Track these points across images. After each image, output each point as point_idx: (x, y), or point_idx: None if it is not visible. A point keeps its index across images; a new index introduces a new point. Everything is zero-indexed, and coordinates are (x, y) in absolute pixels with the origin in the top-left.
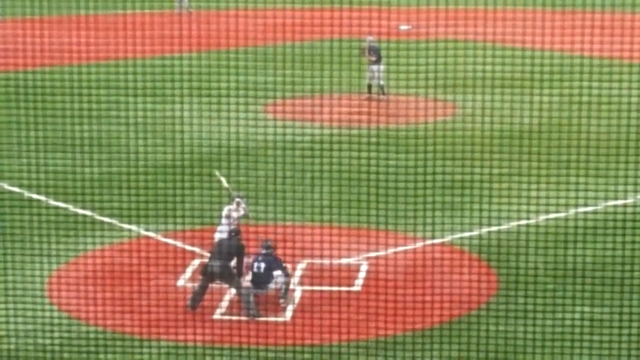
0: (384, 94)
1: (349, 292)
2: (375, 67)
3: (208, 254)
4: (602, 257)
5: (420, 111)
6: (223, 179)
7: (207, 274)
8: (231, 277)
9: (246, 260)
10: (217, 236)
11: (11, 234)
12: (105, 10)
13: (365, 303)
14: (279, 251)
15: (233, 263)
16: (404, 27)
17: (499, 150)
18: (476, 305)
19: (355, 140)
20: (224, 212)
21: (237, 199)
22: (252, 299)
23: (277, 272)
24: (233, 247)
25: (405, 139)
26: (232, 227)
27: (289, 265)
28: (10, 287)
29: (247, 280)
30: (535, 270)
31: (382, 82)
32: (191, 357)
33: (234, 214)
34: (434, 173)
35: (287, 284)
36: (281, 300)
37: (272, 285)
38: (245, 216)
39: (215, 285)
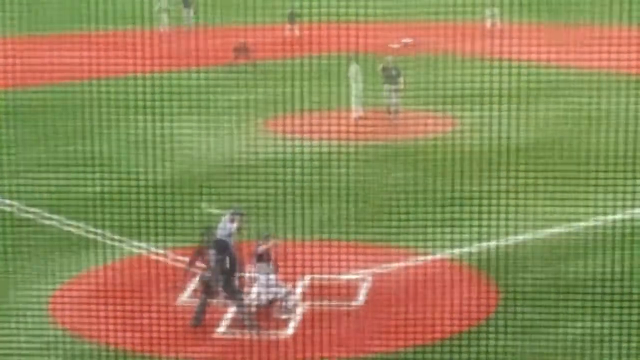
0: (394, 112)
1: (350, 307)
2: (386, 87)
3: (203, 270)
4: (605, 272)
5: (420, 126)
6: (209, 207)
7: (208, 290)
8: (233, 293)
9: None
10: (212, 252)
11: (13, 253)
12: (102, 28)
13: (366, 319)
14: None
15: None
16: (406, 41)
17: (498, 166)
18: (477, 320)
19: (356, 156)
20: (219, 231)
21: (233, 215)
22: (251, 314)
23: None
24: (233, 263)
25: (405, 155)
26: (228, 240)
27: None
28: (13, 306)
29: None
30: (543, 285)
31: (392, 101)
32: None
33: (231, 228)
34: (439, 187)
35: (287, 296)
36: (275, 316)
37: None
38: (239, 229)
39: (216, 302)
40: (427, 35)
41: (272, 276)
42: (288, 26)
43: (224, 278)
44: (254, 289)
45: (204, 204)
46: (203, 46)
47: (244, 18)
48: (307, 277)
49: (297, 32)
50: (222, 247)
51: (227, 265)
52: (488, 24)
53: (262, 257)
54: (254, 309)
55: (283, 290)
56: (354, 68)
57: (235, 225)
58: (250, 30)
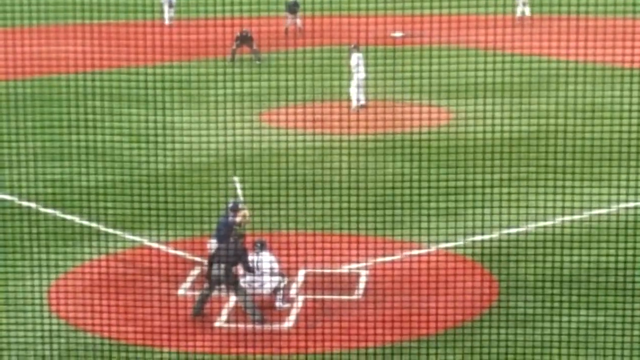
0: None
1: (349, 299)
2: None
3: (207, 261)
4: (605, 262)
5: (416, 117)
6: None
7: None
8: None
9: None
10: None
11: (11, 245)
12: (99, 19)
13: (366, 310)
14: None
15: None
16: (396, 34)
17: (497, 157)
18: (477, 312)
19: (354, 147)
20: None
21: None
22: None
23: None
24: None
25: (402, 146)
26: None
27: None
28: (11, 298)
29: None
30: (543, 276)
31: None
32: None
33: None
34: (437, 179)
35: (289, 285)
36: (277, 304)
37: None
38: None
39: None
40: (423, 28)
41: (275, 265)
42: (290, 16)
43: (226, 267)
44: (257, 278)
45: (235, 178)
46: (204, 37)
47: (248, 7)
48: (308, 268)
49: (299, 22)
50: (223, 237)
51: (229, 256)
52: (519, 12)
53: (264, 246)
54: (257, 298)
55: (286, 279)
56: (355, 56)
57: (238, 216)
58: (249, 20)
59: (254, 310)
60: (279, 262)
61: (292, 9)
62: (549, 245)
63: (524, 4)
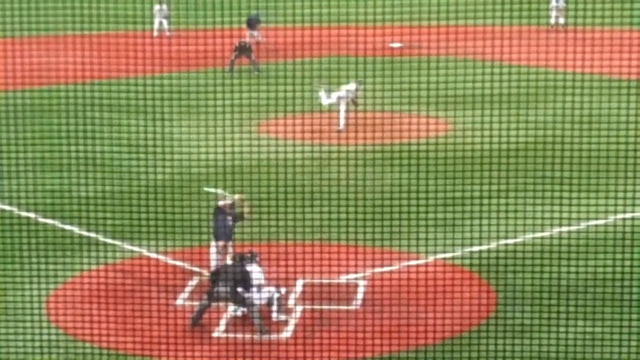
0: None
1: (347, 310)
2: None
3: (208, 275)
4: (602, 273)
5: (414, 128)
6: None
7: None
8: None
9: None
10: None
11: (10, 255)
12: (97, 30)
13: (364, 321)
14: (276, 269)
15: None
16: (395, 45)
17: (494, 167)
18: (475, 322)
19: (353, 158)
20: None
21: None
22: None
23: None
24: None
25: (400, 157)
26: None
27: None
28: (10, 307)
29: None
30: (540, 286)
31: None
32: None
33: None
34: (435, 190)
35: (275, 298)
36: (274, 315)
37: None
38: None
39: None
40: (422, 39)
41: (261, 277)
42: (247, 33)
43: (232, 288)
44: (254, 289)
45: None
46: (203, 48)
47: (246, 18)
48: (306, 279)
49: (256, 35)
50: (229, 236)
51: (233, 275)
52: (552, 20)
53: (254, 258)
54: (257, 310)
55: (283, 290)
56: (354, 91)
57: (232, 203)
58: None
59: (261, 321)
60: (266, 272)
61: (250, 25)
62: (546, 256)
63: (556, 17)
